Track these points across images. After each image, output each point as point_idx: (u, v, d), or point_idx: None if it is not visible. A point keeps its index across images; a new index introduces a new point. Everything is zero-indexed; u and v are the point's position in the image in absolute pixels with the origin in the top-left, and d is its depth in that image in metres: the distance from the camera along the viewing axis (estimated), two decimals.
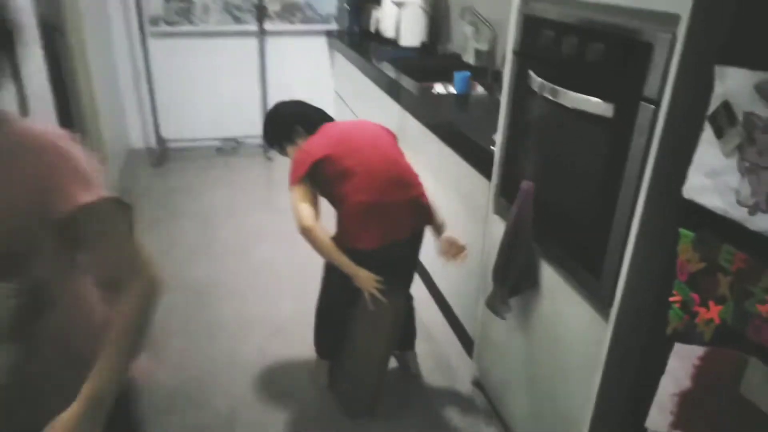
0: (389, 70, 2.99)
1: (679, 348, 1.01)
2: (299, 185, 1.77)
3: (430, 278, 2.73)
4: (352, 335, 2.01)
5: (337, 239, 1.81)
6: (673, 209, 1.10)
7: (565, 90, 1.37)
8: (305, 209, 1.75)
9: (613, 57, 1.25)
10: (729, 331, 0.99)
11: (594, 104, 1.29)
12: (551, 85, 1.42)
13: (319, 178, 1.79)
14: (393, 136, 1.96)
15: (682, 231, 1.04)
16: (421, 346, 2.36)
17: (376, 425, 2.02)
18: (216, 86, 4.38)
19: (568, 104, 1.37)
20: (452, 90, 2.67)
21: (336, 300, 2.02)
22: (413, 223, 1.89)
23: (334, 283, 1.96)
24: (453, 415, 2.07)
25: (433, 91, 2.78)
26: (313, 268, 2.96)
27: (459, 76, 2.51)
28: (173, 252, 3.06)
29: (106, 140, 3.55)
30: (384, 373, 2.02)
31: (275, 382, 2.20)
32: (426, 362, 2.31)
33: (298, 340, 2.34)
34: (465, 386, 2.20)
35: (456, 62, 3.17)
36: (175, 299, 2.63)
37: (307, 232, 1.75)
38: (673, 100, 1.10)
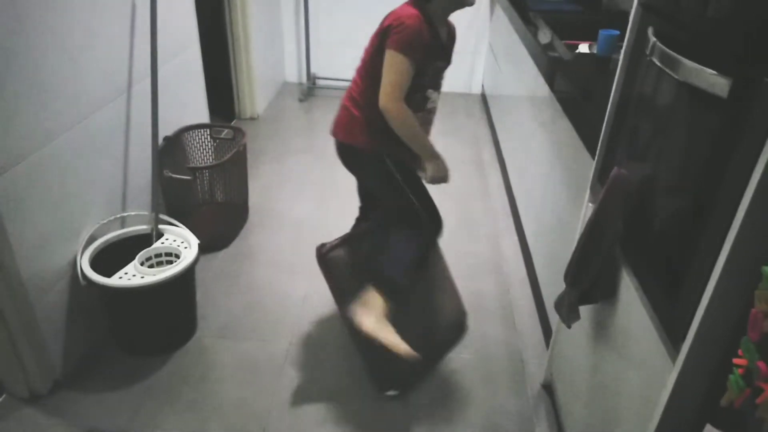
0: (538, 22, 2.64)
1: None
2: None
3: (530, 257, 2.46)
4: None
5: None
6: None
7: (675, 55, 1.03)
8: None
9: (741, 12, 0.89)
10: None
11: (707, 78, 0.95)
12: (661, 48, 1.08)
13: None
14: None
15: (765, 269, 0.72)
16: (501, 334, 2.17)
17: (426, 415, 1.89)
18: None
19: (679, 76, 1.04)
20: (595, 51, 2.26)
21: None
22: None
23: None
24: (511, 418, 1.86)
25: (576, 50, 2.39)
26: None
27: (603, 34, 2.10)
28: (284, 186, 3.15)
29: (255, 73, 3.79)
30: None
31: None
32: (500, 351, 2.10)
33: None
34: (533, 388, 1.96)
35: (620, 19, 2.68)
36: (281, 231, 2.72)
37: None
38: None
